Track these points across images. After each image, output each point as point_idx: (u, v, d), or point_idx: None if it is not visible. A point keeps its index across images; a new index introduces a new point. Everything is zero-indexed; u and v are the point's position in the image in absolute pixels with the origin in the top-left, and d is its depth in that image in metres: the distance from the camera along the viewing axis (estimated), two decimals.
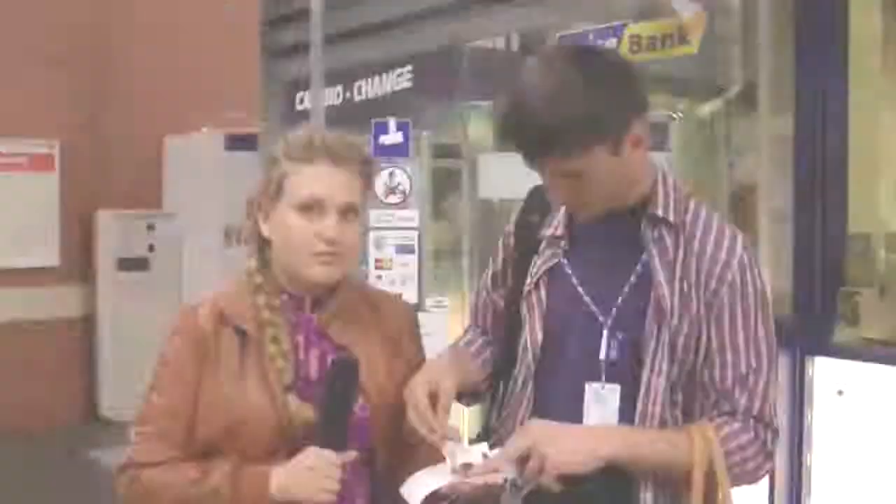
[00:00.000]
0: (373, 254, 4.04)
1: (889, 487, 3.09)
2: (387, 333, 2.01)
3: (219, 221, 7.32)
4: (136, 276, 8.15)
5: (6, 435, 7.31)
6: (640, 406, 1.82)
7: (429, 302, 4.07)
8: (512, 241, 2.08)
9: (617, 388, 1.85)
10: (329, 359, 1.90)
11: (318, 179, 1.87)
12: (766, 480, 2.74)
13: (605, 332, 1.86)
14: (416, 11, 4.90)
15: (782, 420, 3.22)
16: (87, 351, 8.25)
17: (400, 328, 2.05)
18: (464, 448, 1.81)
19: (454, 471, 1.77)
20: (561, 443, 1.74)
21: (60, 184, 8.08)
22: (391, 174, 4.04)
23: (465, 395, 2.07)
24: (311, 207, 1.86)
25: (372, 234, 4.02)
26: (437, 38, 4.93)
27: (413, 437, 1.88)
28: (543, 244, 1.98)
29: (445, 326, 3.91)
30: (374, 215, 4.02)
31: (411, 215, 4.06)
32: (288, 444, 1.83)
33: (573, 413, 1.86)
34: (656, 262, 1.84)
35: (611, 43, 3.80)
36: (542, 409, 1.91)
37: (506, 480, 1.77)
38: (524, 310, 1.97)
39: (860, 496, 3.18)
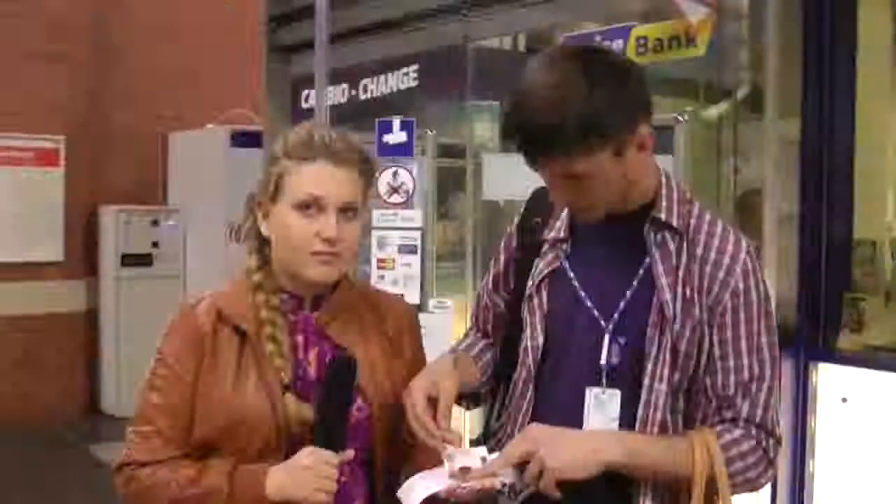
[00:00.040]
0: (375, 253, 4.03)
1: (893, 497, 3.07)
2: (387, 333, 2.00)
3: (223, 218, 7.32)
4: (140, 271, 8.16)
5: (7, 428, 7.33)
6: (640, 412, 1.81)
7: (431, 303, 4.05)
8: (514, 243, 2.07)
9: (617, 393, 1.83)
10: (328, 359, 1.88)
11: (317, 178, 1.85)
12: (768, 488, 2.72)
13: (606, 337, 1.85)
14: (422, 10, 4.89)
15: (785, 426, 3.21)
16: (89, 346, 8.28)
17: (400, 328, 2.04)
18: (463, 451, 1.80)
19: (452, 474, 1.75)
20: (561, 448, 1.72)
21: (66, 179, 8.10)
22: (395, 174, 4.02)
23: (466, 399, 2.06)
24: (309, 206, 1.85)
25: (375, 234, 4.00)
26: (443, 38, 4.92)
27: (413, 439, 1.86)
28: (545, 247, 1.97)
29: (448, 327, 3.88)
30: (377, 215, 4.00)
31: (414, 215, 4.04)
32: (286, 444, 1.82)
33: (573, 417, 1.84)
34: (659, 266, 1.82)
35: (617, 44, 3.78)
36: (542, 413, 1.90)
37: (504, 485, 1.75)
38: (525, 313, 1.96)
39: None
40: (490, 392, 2.09)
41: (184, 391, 1.86)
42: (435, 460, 1.81)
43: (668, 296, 1.80)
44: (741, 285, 1.80)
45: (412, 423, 1.82)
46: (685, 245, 1.83)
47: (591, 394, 1.85)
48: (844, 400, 3.26)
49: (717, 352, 1.81)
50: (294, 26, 5.58)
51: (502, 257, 2.10)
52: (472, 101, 4.85)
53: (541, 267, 1.95)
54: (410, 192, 4.04)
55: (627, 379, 1.83)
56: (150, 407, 1.89)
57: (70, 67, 8.00)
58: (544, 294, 1.93)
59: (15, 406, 7.67)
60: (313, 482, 1.75)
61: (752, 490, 1.87)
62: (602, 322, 1.86)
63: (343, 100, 5.41)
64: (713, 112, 4.10)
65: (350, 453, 1.81)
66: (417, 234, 4.03)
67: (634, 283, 1.84)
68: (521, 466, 1.73)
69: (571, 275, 1.91)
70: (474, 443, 2.02)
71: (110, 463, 1.90)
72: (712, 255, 1.82)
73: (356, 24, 5.17)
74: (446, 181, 5.14)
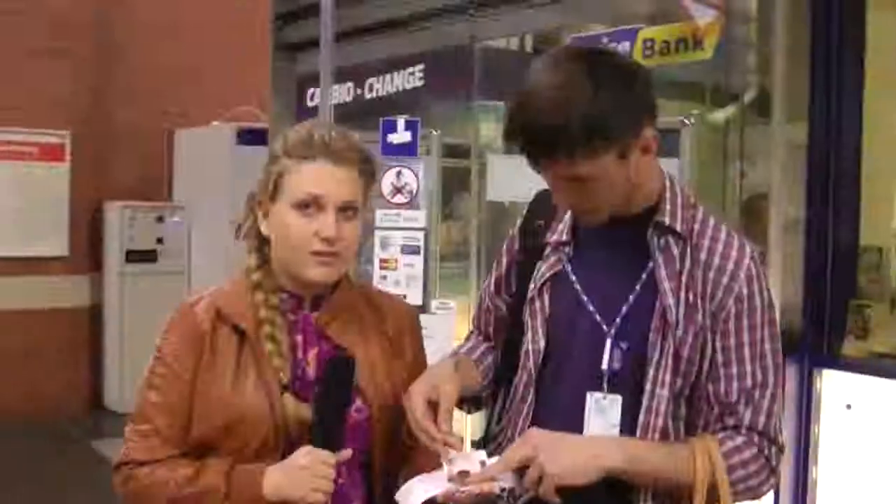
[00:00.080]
0: (378, 254, 4.01)
1: None
2: (387, 334, 1.99)
3: (228, 215, 7.31)
4: (144, 267, 8.16)
5: (10, 423, 7.34)
6: (642, 418, 1.79)
7: (434, 303, 4.03)
8: (516, 245, 2.05)
9: (618, 398, 1.82)
10: (327, 357, 1.87)
11: (316, 177, 1.84)
12: (770, 495, 2.71)
13: (608, 342, 1.83)
14: (429, 10, 4.88)
15: (789, 433, 3.20)
16: (93, 342, 8.27)
17: (401, 329, 2.02)
18: (462, 455, 1.78)
19: (451, 478, 1.73)
20: (561, 453, 1.70)
21: (71, 174, 8.10)
22: (399, 174, 4.00)
23: (467, 402, 2.05)
24: (309, 205, 1.83)
25: (377, 234, 3.99)
26: (450, 38, 4.91)
27: (413, 441, 1.85)
28: (548, 250, 1.95)
29: (451, 328, 3.87)
30: (380, 215, 3.98)
31: (417, 215, 4.02)
32: (284, 443, 1.81)
33: (574, 422, 1.83)
34: (662, 271, 1.81)
35: (623, 46, 3.76)
36: (542, 418, 1.88)
37: (503, 490, 1.74)
38: (526, 316, 1.94)
39: None
40: (491, 396, 2.07)
41: (182, 390, 1.85)
42: (434, 463, 1.79)
43: (671, 301, 1.78)
44: (745, 291, 1.78)
45: (413, 428, 1.80)
46: (689, 250, 1.82)
47: (592, 399, 1.83)
48: (849, 407, 3.25)
49: (719, 358, 1.79)
50: (300, 24, 5.58)
51: (504, 260, 2.08)
52: (478, 102, 4.84)
53: (543, 270, 1.93)
54: (414, 192, 4.02)
55: (629, 384, 1.81)
56: (149, 405, 1.88)
57: (74, 64, 8.00)
58: (546, 297, 1.92)
59: (18, 401, 7.68)
60: (310, 482, 1.73)
61: (753, 498, 1.85)
62: (604, 326, 1.84)
63: (348, 98, 5.42)
64: (720, 115, 4.08)
65: (348, 453, 1.80)
66: (420, 234, 4.01)
67: (637, 287, 1.83)
68: (520, 471, 1.72)
69: (574, 278, 1.90)
70: (477, 444, 2.01)
71: (110, 457, 1.89)
72: (716, 260, 1.80)
73: (362, 22, 5.16)
74: (451, 181, 5.14)
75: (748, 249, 1.83)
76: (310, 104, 5.50)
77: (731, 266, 1.79)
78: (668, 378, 1.78)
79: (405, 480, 1.81)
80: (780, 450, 1.83)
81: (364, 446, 1.89)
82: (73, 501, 5.91)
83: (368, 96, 5.36)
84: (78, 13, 8.00)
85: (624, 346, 1.82)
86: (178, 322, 1.91)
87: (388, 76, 5.24)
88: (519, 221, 2.07)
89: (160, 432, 1.85)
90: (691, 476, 1.73)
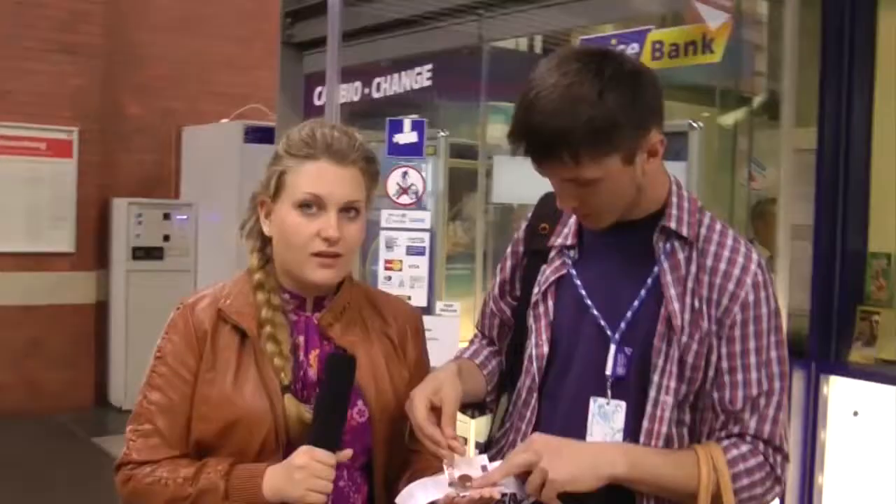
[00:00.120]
0: (383, 255, 3.99)
1: None
2: (390, 336, 1.97)
3: (235, 213, 7.31)
4: (151, 264, 8.16)
5: (15, 418, 7.35)
6: (646, 424, 1.77)
7: (438, 305, 4.01)
8: (521, 248, 2.03)
9: (622, 404, 1.80)
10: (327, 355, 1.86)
11: (318, 177, 1.82)
12: (776, 502, 2.69)
13: (612, 347, 1.81)
14: (439, 10, 4.87)
15: (795, 439, 3.19)
16: (98, 338, 8.28)
17: (404, 331, 2.01)
18: (464, 459, 1.76)
19: (452, 483, 1.72)
20: (564, 459, 1.68)
21: (78, 170, 8.10)
22: (405, 174, 3.99)
23: (471, 407, 2.03)
24: (310, 205, 1.82)
25: (383, 235, 3.97)
26: (459, 38, 4.90)
27: (415, 444, 1.84)
28: (553, 253, 1.93)
29: (455, 331, 3.85)
30: (385, 215, 3.97)
31: (423, 216, 4.01)
32: (285, 445, 1.79)
33: (577, 428, 1.81)
34: (668, 276, 1.79)
35: (632, 48, 3.75)
36: (545, 422, 1.87)
37: (504, 495, 1.72)
38: (530, 320, 1.93)
39: None
40: (495, 400, 2.06)
41: (183, 390, 1.84)
42: (436, 467, 1.77)
43: (676, 306, 1.76)
44: (751, 298, 1.76)
45: (417, 433, 1.79)
46: (695, 255, 1.80)
47: (596, 404, 1.81)
48: (856, 413, 3.24)
49: (724, 365, 1.77)
50: (309, 23, 5.57)
51: (509, 263, 2.06)
52: (486, 103, 4.83)
53: (547, 274, 1.92)
54: (420, 192, 4.00)
55: (633, 390, 1.79)
56: (150, 406, 1.86)
57: (82, 60, 8.02)
58: (550, 302, 1.90)
59: (23, 396, 7.71)
60: (308, 482, 1.71)
61: None
62: (608, 331, 1.82)
63: (356, 98, 5.41)
64: (729, 119, 4.07)
65: (348, 453, 1.78)
66: (426, 235, 3.99)
67: (642, 292, 1.81)
68: (522, 476, 1.70)
69: (578, 282, 1.88)
70: (482, 446, 1.99)
71: (111, 454, 1.88)
72: (722, 265, 1.78)
73: (371, 21, 5.15)
74: (459, 182, 5.12)
75: (755, 256, 1.81)
76: (317, 103, 5.50)
77: (737, 272, 1.77)
78: (672, 384, 1.76)
79: (406, 484, 1.79)
80: (786, 458, 1.80)
81: (365, 448, 1.87)
82: (77, 497, 5.91)
83: (376, 96, 5.35)
84: (88, 9, 8.01)
85: (628, 351, 1.80)
86: (179, 321, 1.89)
87: (396, 76, 5.23)
88: (524, 224, 2.06)
89: (161, 432, 1.84)
90: (695, 484, 1.71)
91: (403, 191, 3.97)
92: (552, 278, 1.90)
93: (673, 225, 1.80)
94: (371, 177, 1.90)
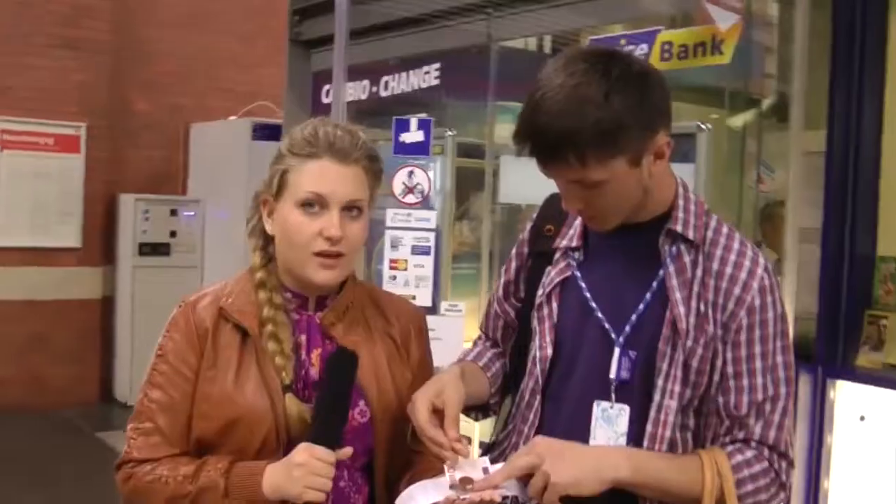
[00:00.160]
0: (388, 254, 3.98)
1: None
2: (393, 336, 1.96)
3: (242, 210, 7.29)
4: (157, 260, 8.17)
5: (20, 413, 7.37)
6: (649, 428, 1.76)
7: (443, 305, 4.00)
8: (525, 250, 2.02)
9: (626, 408, 1.78)
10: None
11: (320, 175, 1.81)
12: None
13: (616, 350, 1.79)
14: (447, 8, 4.86)
15: (801, 444, 3.17)
16: (104, 333, 8.29)
17: (407, 331, 1.99)
18: (466, 461, 1.75)
19: (453, 485, 1.70)
20: (567, 462, 1.67)
21: (86, 166, 8.10)
22: (410, 173, 3.97)
23: (475, 410, 2.02)
24: (313, 204, 1.81)
25: (388, 234, 3.96)
26: (467, 37, 4.89)
27: (418, 445, 1.82)
28: (558, 255, 1.92)
29: (460, 331, 3.84)
30: (391, 214, 3.95)
31: (429, 216, 3.99)
32: (286, 444, 1.78)
33: (580, 431, 1.80)
34: (673, 280, 1.77)
35: (641, 49, 3.74)
36: (548, 425, 1.86)
37: (505, 498, 1.71)
38: (534, 322, 1.91)
39: None
40: (499, 403, 2.05)
41: (184, 388, 1.83)
42: (438, 468, 1.76)
43: (681, 310, 1.75)
44: (757, 302, 1.74)
45: (420, 436, 1.77)
46: (701, 258, 1.78)
47: (599, 408, 1.80)
48: (862, 418, 3.23)
49: (730, 370, 1.75)
50: (317, 20, 5.57)
51: (513, 264, 2.05)
52: (494, 102, 4.82)
53: (552, 275, 1.90)
54: (426, 192, 3.98)
55: (637, 394, 1.78)
56: (150, 404, 1.86)
57: (92, 55, 8.02)
58: (554, 304, 1.89)
59: (28, 390, 7.72)
60: (307, 479, 1.70)
61: None
62: (613, 334, 1.80)
63: (364, 96, 5.41)
64: (738, 121, 4.06)
65: (348, 451, 1.76)
66: (431, 235, 3.98)
67: (647, 295, 1.79)
68: (524, 479, 1.68)
69: (583, 285, 1.86)
70: (486, 447, 1.98)
71: (115, 449, 1.88)
72: (728, 269, 1.76)
73: (380, 20, 5.15)
74: (466, 182, 5.11)
75: (761, 260, 1.79)
76: (325, 101, 5.50)
77: (743, 276, 1.76)
78: (676, 388, 1.75)
79: (408, 485, 1.78)
80: (791, 464, 1.79)
81: (366, 449, 1.86)
82: (82, 492, 5.91)
83: (384, 94, 5.34)
84: (95, 5, 8.02)
85: (633, 355, 1.79)
86: (180, 319, 1.88)
87: (404, 74, 5.22)
88: (529, 225, 2.04)
89: (162, 431, 1.83)
90: (699, 489, 1.69)
91: (409, 190, 3.96)
92: (557, 280, 1.89)
93: (679, 228, 1.79)
94: (374, 175, 1.88)
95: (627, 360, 1.79)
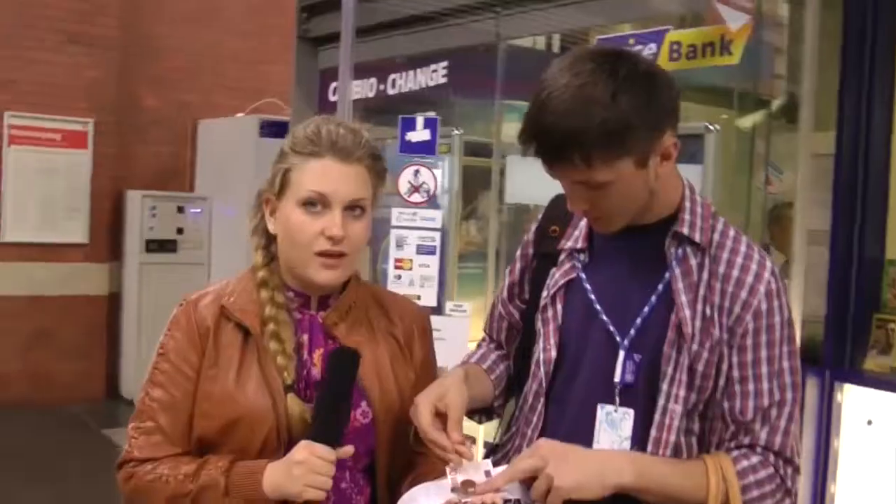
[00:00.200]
0: (393, 253, 3.96)
1: None
2: (396, 337, 1.95)
3: (249, 206, 7.29)
4: (164, 257, 8.17)
5: (26, 409, 7.38)
6: (654, 433, 1.74)
7: (448, 305, 3.98)
8: (530, 251, 2.00)
9: (630, 412, 1.77)
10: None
11: (322, 174, 1.80)
12: None
13: (621, 353, 1.78)
14: (455, 6, 4.86)
15: (808, 448, 3.15)
16: (111, 330, 8.30)
17: (410, 331, 1.98)
18: (468, 464, 1.73)
19: (454, 488, 1.69)
20: (570, 465, 1.65)
21: (93, 161, 8.11)
22: (416, 172, 3.95)
23: (478, 412, 2.01)
24: (315, 203, 1.80)
25: (393, 233, 3.94)
26: (475, 35, 4.88)
27: (420, 446, 1.81)
28: (562, 256, 1.90)
29: (465, 331, 3.82)
30: (396, 213, 3.94)
31: (434, 215, 3.97)
32: (287, 444, 1.77)
33: (583, 434, 1.78)
34: (679, 283, 1.75)
35: (650, 48, 3.72)
36: (551, 428, 1.84)
37: (507, 502, 1.69)
38: (539, 324, 1.90)
39: None
40: (503, 405, 2.03)
41: (185, 387, 1.83)
42: (440, 470, 1.75)
43: (687, 313, 1.73)
44: (764, 306, 1.72)
45: (423, 438, 1.76)
46: (707, 261, 1.76)
47: (603, 411, 1.78)
48: (870, 422, 3.21)
49: (735, 374, 1.73)
50: (324, 18, 5.57)
51: (518, 266, 2.04)
52: (502, 101, 4.81)
53: (556, 277, 1.89)
54: (431, 191, 3.97)
55: (642, 398, 1.76)
56: (152, 403, 1.85)
57: (100, 51, 8.03)
58: (559, 306, 1.87)
59: (35, 386, 7.73)
60: (306, 478, 1.69)
61: None
62: (617, 337, 1.79)
63: (370, 94, 5.40)
64: (747, 122, 4.04)
65: (349, 449, 1.75)
66: (437, 234, 3.96)
67: (653, 298, 1.77)
68: (527, 482, 1.67)
69: (588, 287, 1.84)
70: (492, 448, 1.96)
71: (120, 445, 1.88)
72: (735, 273, 1.74)
73: (387, 17, 5.14)
74: (473, 181, 5.10)
75: (768, 263, 1.77)
76: (332, 98, 5.49)
77: (750, 279, 1.74)
78: (681, 393, 1.73)
79: (410, 487, 1.77)
80: (797, 470, 1.77)
81: (368, 450, 1.86)
82: (87, 488, 5.91)
83: (391, 92, 5.34)
84: (104, 1, 8.03)
85: (637, 358, 1.77)
86: (182, 318, 1.88)
87: (411, 72, 5.21)
88: (533, 226, 2.03)
89: (163, 430, 1.82)
90: (704, 495, 1.68)
91: (415, 189, 3.94)
92: (561, 282, 1.87)
93: (685, 230, 1.77)
94: (377, 174, 1.87)
95: (632, 364, 1.77)
